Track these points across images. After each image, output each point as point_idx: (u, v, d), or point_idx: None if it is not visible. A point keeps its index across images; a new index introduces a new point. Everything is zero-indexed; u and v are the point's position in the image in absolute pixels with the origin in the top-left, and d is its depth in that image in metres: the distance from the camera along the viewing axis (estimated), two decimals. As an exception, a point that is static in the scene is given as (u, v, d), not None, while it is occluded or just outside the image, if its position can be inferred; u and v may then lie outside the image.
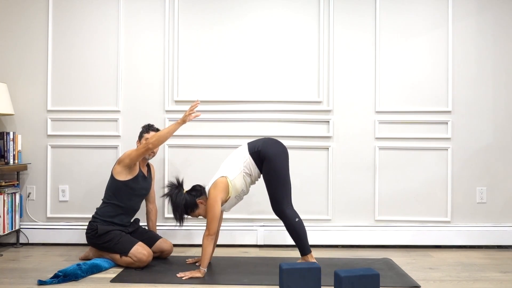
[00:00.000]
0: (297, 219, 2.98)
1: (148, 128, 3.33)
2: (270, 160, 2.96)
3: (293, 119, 3.78)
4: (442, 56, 3.79)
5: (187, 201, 2.99)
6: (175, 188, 3.02)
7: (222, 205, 2.97)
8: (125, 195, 3.19)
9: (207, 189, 3.01)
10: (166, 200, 3.04)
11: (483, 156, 3.79)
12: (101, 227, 3.11)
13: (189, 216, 3.07)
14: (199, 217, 3.09)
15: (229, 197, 2.98)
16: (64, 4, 3.80)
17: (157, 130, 3.35)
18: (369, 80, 3.80)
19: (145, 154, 3.14)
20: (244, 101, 3.78)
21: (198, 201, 3.01)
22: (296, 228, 2.97)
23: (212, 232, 2.86)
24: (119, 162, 3.18)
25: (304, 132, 3.78)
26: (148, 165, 3.42)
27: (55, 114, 3.79)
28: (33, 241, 3.73)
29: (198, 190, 3.05)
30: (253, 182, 3.10)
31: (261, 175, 3.06)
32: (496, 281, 2.84)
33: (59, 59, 3.79)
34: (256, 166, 3.01)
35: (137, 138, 3.40)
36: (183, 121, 3.04)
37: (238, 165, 2.99)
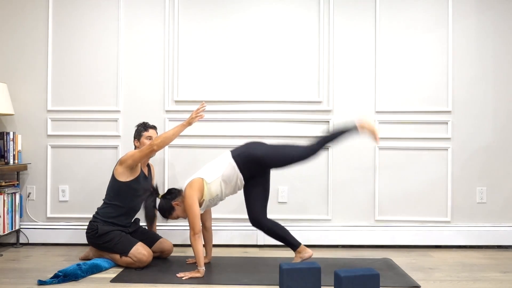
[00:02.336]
0: (271, 224, 3.01)
1: (145, 126, 3.32)
2: (272, 166, 2.99)
3: (293, 119, 3.78)
4: (442, 56, 3.79)
5: (163, 206, 2.99)
6: (150, 194, 2.99)
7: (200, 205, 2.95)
8: (127, 196, 3.18)
9: (185, 185, 2.98)
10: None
11: (483, 156, 3.79)
12: (101, 227, 3.11)
13: (169, 220, 3.08)
14: (179, 218, 3.07)
15: (203, 200, 2.95)
16: (64, 4, 3.80)
17: (153, 127, 3.35)
18: (369, 80, 3.80)
19: (149, 155, 3.14)
20: (244, 101, 3.78)
21: (174, 203, 3.00)
22: (277, 231, 2.99)
23: (197, 231, 2.84)
24: (120, 162, 3.16)
25: (304, 132, 3.78)
26: (148, 165, 3.41)
27: (55, 114, 3.78)
28: (33, 241, 3.73)
29: (173, 193, 3.04)
30: (231, 192, 3.04)
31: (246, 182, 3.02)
32: (496, 281, 2.84)
33: (59, 59, 3.79)
34: (241, 175, 2.95)
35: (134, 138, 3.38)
36: (189, 123, 3.05)
37: (217, 171, 2.95)
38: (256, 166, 2.97)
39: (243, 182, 3.00)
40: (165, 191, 3.09)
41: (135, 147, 3.31)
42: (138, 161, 3.13)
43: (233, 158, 2.97)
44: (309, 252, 3.00)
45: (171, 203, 3.00)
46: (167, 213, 3.01)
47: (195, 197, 2.88)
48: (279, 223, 3.04)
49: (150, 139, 3.26)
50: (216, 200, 3.03)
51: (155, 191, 3.03)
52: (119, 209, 3.18)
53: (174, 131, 3.06)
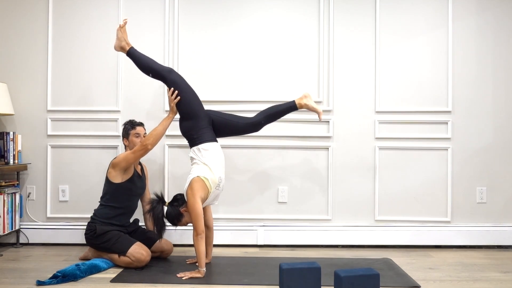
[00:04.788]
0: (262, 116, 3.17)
1: (132, 124, 3.29)
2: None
3: (293, 119, 3.77)
4: (442, 56, 3.79)
5: (171, 213, 2.98)
6: (157, 202, 2.99)
7: (204, 201, 2.95)
8: (123, 196, 3.19)
9: (185, 190, 2.97)
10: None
11: (483, 156, 3.79)
12: (99, 227, 3.11)
13: (177, 227, 3.09)
14: (188, 224, 3.06)
15: (210, 192, 2.95)
16: (64, 4, 3.80)
17: (140, 124, 3.32)
18: (369, 80, 3.80)
19: (143, 156, 3.14)
20: (244, 101, 3.77)
21: (182, 210, 3.00)
22: (273, 112, 3.19)
23: (200, 232, 2.84)
24: (113, 166, 3.16)
25: (304, 132, 3.78)
26: (140, 164, 3.41)
27: (55, 114, 3.78)
28: (33, 241, 3.73)
29: (179, 199, 3.03)
30: (221, 157, 3.07)
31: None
32: (496, 281, 2.84)
33: (59, 59, 3.79)
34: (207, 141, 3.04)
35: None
36: (174, 112, 3.08)
37: (195, 166, 3.00)
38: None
39: (214, 139, 3.08)
40: (161, 196, 3.06)
41: (125, 146, 3.30)
42: (132, 162, 3.13)
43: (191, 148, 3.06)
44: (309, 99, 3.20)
45: (179, 209, 3.00)
46: (176, 220, 3.01)
47: (198, 196, 2.88)
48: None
49: (138, 136, 3.24)
50: (220, 184, 3.01)
51: (161, 199, 3.02)
52: (116, 210, 3.18)
53: (163, 126, 3.08)
